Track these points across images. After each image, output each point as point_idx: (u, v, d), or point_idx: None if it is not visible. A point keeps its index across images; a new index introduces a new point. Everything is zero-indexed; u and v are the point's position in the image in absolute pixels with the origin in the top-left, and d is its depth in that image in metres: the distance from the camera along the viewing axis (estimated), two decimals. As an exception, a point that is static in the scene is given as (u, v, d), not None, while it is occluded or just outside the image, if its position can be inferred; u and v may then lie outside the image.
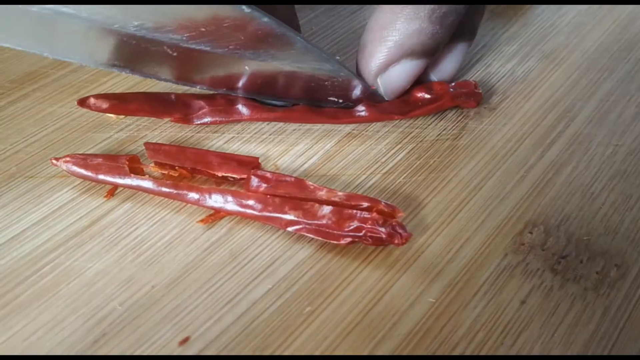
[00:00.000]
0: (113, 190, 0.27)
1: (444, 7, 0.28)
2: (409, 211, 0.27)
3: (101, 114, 0.31)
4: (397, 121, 0.31)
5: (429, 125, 0.31)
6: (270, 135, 0.30)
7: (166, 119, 0.31)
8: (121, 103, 0.31)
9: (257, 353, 0.22)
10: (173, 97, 0.31)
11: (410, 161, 0.29)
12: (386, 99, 0.31)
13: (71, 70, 0.34)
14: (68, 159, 0.27)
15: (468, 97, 0.31)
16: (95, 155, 0.28)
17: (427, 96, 0.31)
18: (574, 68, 0.35)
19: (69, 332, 0.22)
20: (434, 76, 0.32)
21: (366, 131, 0.31)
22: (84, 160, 0.27)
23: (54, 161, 0.28)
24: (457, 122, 0.31)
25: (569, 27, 0.39)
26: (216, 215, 0.26)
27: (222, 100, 0.31)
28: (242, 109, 0.31)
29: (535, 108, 0.32)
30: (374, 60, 0.29)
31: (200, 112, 0.31)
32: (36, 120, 0.31)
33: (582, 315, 0.23)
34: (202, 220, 0.26)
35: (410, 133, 0.31)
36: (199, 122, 0.31)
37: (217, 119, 0.31)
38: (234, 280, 0.24)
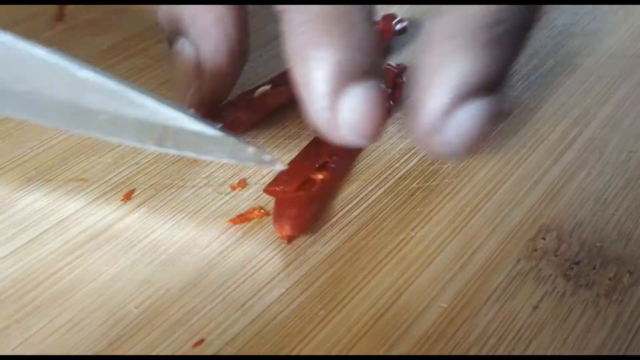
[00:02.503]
0: (130, 194, 0.28)
1: (500, 27, 0.21)
2: (422, 216, 0.27)
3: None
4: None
5: (443, 130, 0.31)
6: (285, 139, 0.31)
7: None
8: None
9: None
10: None
11: (424, 167, 0.29)
12: (454, 154, 0.23)
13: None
14: None
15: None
16: None
17: None
18: (588, 74, 0.35)
19: (85, 334, 0.23)
20: None
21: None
22: None
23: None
24: (471, 128, 0.31)
25: (583, 33, 0.39)
26: (246, 216, 0.27)
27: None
28: None
29: (549, 114, 0.32)
30: (428, 109, 0.22)
31: None
32: (54, 125, 0.32)
33: (595, 321, 0.23)
34: (231, 220, 0.26)
35: (424, 138, 0.31)
36: None
37: None
38: (248, 283, 0.24)
